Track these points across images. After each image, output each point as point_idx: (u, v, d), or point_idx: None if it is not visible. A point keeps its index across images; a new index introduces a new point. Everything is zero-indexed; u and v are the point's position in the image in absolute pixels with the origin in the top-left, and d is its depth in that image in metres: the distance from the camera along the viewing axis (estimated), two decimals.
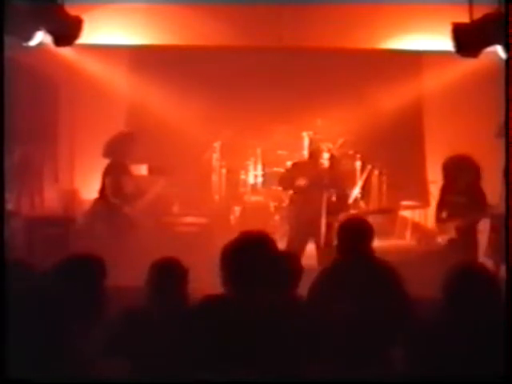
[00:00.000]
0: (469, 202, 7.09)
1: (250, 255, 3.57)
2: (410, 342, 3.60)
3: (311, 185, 7.34)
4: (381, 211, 9.46)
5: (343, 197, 7.80)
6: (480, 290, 3.56)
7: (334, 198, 7.41)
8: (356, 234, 4.76)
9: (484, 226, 7.54)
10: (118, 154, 7.61)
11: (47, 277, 3.50)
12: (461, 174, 7.14)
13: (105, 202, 7.61)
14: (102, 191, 7.61)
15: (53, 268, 3.56)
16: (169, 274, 3.92)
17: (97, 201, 7.75)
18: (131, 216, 7.51)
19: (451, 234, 7.11)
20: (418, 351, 3.52)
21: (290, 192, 7.78)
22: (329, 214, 7.29)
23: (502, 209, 5.98)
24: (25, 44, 6.35)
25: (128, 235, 7.40)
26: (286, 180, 7.72)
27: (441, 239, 7.16)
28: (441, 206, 7.33)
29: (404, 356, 3.56)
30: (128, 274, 6.06)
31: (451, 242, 7.11)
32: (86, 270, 3.60)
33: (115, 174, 7.55)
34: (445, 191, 7.31)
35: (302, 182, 7.38)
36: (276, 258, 3.73)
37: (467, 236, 7.12)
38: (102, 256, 3.76)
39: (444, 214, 7.25)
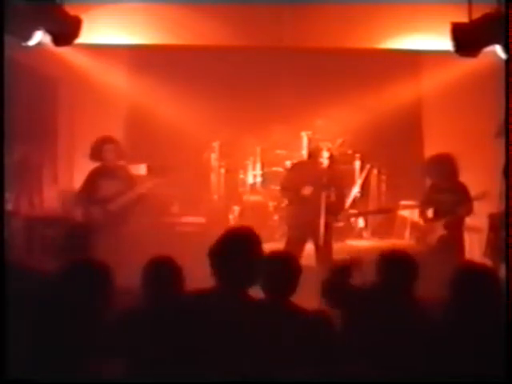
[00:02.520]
0: (453, 199, 7.17)
1: (236, 252, 3.62)
2: (409, 343, 3.60)
3: (313, 188, 7.28)
4: (380, 211, 9.47)
5: (342, 196, 7.80)
6: (478, 290, 3.57)
7: (332, 198, 7.39)
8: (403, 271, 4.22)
9: (482, 226, 7.59)
10: (98, 157, 7.66)
11: (47, 278, 3.50)
12: (442, 173, 7.23)
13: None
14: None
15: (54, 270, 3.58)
16: (163, 273, 3.93)
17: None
18: (97, 218, 7.48)
19: (440, 232, 7.18)
20: (417, 351, 3.52)
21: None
22: (328, 213, 7.28)
23: (501, 208, 5.99)
24: (24, 44, 6.33)
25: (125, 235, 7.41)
26: (289, 188, 7.59)
27: (431, 238, 7.23)
28: (425, 205, 7.43)
29: (404, 356, 3.57)
30: (126, 274, 6.07)
31: (440, 240, 7.17)
32: (88, 274, 3.62)
33: (93, 177, 7.64)
34: (430, 190, 7.43)
35: (306, 191, 7.29)
36: (261, 255, 3.76)
37: (455, 233, 7.20)
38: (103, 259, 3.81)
39: (430, 213, 7.33)
